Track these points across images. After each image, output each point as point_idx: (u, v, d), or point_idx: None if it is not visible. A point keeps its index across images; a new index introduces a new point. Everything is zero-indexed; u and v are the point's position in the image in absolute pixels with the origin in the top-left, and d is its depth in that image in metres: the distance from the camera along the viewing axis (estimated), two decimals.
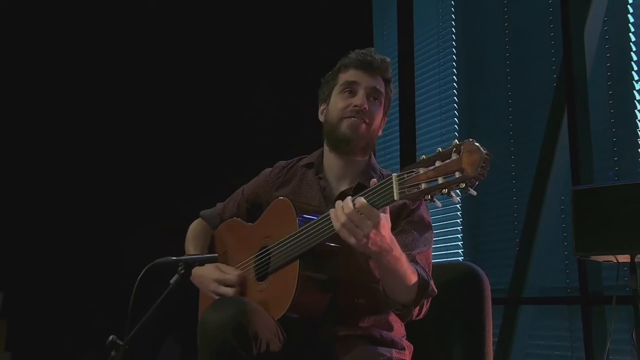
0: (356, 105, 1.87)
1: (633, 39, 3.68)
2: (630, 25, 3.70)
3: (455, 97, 4.93)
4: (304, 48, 2.18)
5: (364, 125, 1.89)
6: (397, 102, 5.20)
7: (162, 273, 1.74)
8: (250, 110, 4.83)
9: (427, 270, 1.79)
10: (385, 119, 2.03)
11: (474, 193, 1.38)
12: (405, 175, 1.46)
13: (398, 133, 5.21)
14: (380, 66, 1.95)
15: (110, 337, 1.63)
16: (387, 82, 1.99)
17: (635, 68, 3.66)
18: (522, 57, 4.48)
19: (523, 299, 4.19)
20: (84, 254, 4.55)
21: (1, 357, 4.34)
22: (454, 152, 1.39)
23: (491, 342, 1.95)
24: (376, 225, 1.56)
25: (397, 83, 5.19)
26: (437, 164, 1.41)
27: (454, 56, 5.00)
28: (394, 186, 1.49)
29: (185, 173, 4.61)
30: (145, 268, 1.69)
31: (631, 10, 3.70)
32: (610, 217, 2.83)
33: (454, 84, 4.94)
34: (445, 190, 1.41)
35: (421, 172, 1.43)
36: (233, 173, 2.36)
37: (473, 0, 5.01)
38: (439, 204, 1.46)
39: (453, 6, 5.09)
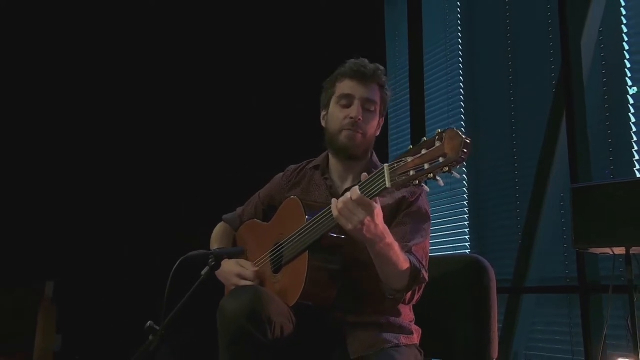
0: (352, 117, 1.87)
1: (626, 47, 3.68)
2: (623, 34, 3.70)
3: (461, 102, 4.91)
4: (323, 58, 2.17)
5: (359, 135, 1.93)
6: (409, 109, 5.20)
7: (194, 266, 1.75)
8: (265, 122, 4.88)
9: (422, 260, 1.79)
10: (382, 119, 2.05)
11: (457, 176, 1.41)
12: (395, 164, 1.49)
13: (409, 131, 5.19)
14: (373, 75, 1.96)
15: (148, 323, 1.63)
16: (381, 87, 2.00)
17: (629, 74, 3.66)
18: (523, 64, 4.45)
19: (525, 288, 4.16)
20: (125, 247, 4.61)
21: (53, 339, 4.42)
22: (437, 139, 1.41)
23: (496, 328, 1.95)
24: (370, 212, 1.59)
25: (408, 89, 5.20)
26: (423, 151, 1.43)
27: (460, 64, 4.98)
28: (386, 174, 1.52)
29: (209, 182, 4.66)
30: (179, 260, 1.69)
31: (624, 21, 3.69)
32: (606, 212, 2.83)
33: (461, 90, 4.92)
34: (431, 175, 1.43)
35: (409, 160, 1.46)
36: (249, 180, 2.37)
37: (478, 10, 4.97)
38: (426, 188, 1.49)
39: (459, 19, 5.06)
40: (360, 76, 1.93)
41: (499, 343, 1.97)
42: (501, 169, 4.45)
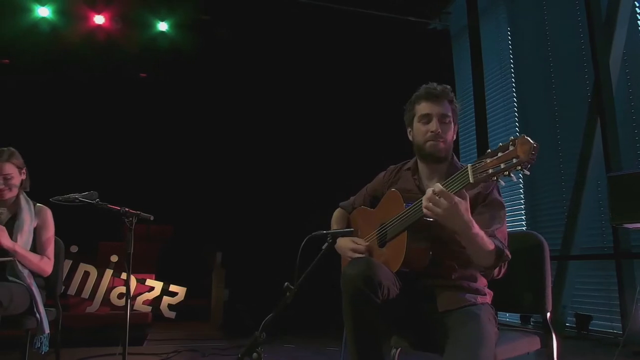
0: (432, 131, 1.77)
1: None
2: None
3: (515, 112, 4.77)
4: (411, 83, 2.13)
5: (441, 144, 1.79)
6: (474, 121, 5.04)
7: (318, 242, 1.75)
8: (370, 136, 4.97)
9: (503, 241, 1.67)
10: (457, 126, 1.85)
11: (528, 173, 1.34)
12: (477, 164, 1.42)
13: (475, 138, 5.04)
14: (442, 94, 1.79)
15: (286, 284, 1.64)
16: (450, 101, 1.81)
17: None
18: (563, 82, 4.36)
19: (570, 256, 4.03)
20: (270, 229, 4.83)
21: (222, 292, 4.72)
22: (511, 144, 1.35)
23: (550, 288, 1.84)
24: (450, 202, 1.48)
25: (473, 106, 5.03)
26: (499, 154, 1.37)
27: (513, 85, 4.79)
28: (469, 172, 1.44)
29: (334, 179, 4.75)
30: (306, 238, 1.70)
31: None
32: (637, 195, 2.59)
33: (514, 102, 4.78)
34: (506, 173, 1.36)
35: (488, 161, 1.39)
36: (360, 176, 2.33)
37: (524, 39, 4.76)
38: (502, 183, 1.40)
39: (510, 49, 4.85)
40: (434, 97, 1.83)
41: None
42: (550, 162, 4.49)
